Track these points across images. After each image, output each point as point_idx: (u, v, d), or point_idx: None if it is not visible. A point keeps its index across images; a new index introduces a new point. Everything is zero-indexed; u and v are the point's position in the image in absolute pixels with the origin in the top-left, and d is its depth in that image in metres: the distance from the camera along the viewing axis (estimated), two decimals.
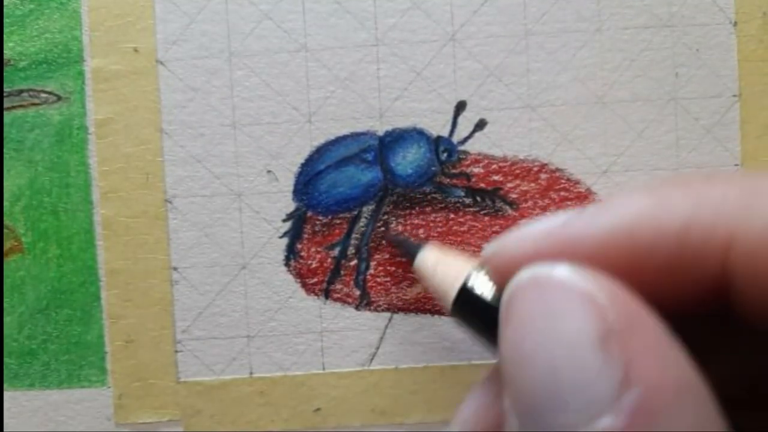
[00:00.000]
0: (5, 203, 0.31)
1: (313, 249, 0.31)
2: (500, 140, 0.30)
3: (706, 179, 0.16)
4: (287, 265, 0.31)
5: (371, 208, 0.31)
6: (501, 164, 0.30)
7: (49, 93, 0.30)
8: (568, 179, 0.30)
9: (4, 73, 0.30)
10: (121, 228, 0.30)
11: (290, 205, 0.31)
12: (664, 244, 0.16)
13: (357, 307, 0.31)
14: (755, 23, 0.30)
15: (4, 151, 0.31)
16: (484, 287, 0.20)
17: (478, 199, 0.30)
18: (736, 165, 0.30)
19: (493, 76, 0.30)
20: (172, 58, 0.30)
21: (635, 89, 0.30)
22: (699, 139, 0.30)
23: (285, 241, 0.31)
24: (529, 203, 0.30)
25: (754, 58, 0.30)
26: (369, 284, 0.31)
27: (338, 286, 0.31)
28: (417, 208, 0.31)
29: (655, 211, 0.16)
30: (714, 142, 0.30)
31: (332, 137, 0.30)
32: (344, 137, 0.30)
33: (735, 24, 0.30)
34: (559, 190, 0.30)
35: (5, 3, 0.30)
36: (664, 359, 0.15)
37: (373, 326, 0.31)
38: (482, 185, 0.30)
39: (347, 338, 0.31)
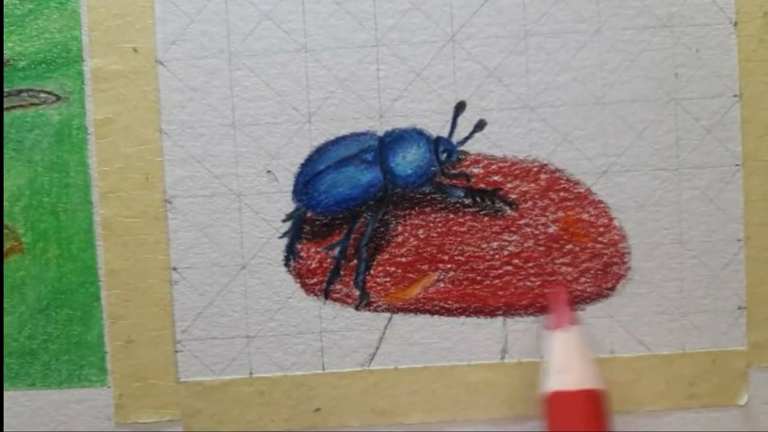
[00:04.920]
0: (5, 203, 0.31)
1: (312, 249, 0.31)
2: (500, 141, 0.30)
3: None
4: (287, 265, 0.31)
5: (371, 209, 0.31)
6: (500, 164, 0.30)
7: (49, 93, 0.30)
8: (568, 180, 0.30)
9: (4, 73, 0.30)
10: (120, 228, 0.30)
11: (290, 206, 0.31)
12: None
13: (357, 308, 0.31)
14: (755, 23, 0.30)
15: (4, 151, 0.31)
16: None
17: (478, 199, 0.30)
18: (737, 165, 0.30)
19: (493, 77, 0.30)
20: (171, 58, 0.30)
21: (635, 89, 0.30)
22: (699, 139, 0.30)
23: (285, 241, 0.31)
24: (529, 204, 0.30)
25: (754, 58, 0.30)
26: (369, 284, 0.31)
27: (338, 287, 0.31)
28: (417, 209, 0.31)
29: None
30: (714, 143, 0.30)
31: (332, 137, 0.30)
32: (344, 137, 0.30)
33: (735, 24, 0.30)
34: (559, 190, 0.30)
35: (4, 3, 0.30)
36: None
37: (373, 326, 0.31)
38: (482, 185, 0.30)
39: (347, 338, 0.31)
